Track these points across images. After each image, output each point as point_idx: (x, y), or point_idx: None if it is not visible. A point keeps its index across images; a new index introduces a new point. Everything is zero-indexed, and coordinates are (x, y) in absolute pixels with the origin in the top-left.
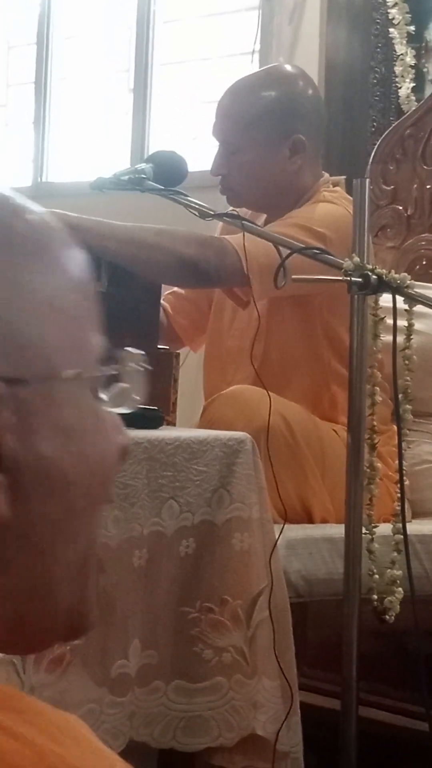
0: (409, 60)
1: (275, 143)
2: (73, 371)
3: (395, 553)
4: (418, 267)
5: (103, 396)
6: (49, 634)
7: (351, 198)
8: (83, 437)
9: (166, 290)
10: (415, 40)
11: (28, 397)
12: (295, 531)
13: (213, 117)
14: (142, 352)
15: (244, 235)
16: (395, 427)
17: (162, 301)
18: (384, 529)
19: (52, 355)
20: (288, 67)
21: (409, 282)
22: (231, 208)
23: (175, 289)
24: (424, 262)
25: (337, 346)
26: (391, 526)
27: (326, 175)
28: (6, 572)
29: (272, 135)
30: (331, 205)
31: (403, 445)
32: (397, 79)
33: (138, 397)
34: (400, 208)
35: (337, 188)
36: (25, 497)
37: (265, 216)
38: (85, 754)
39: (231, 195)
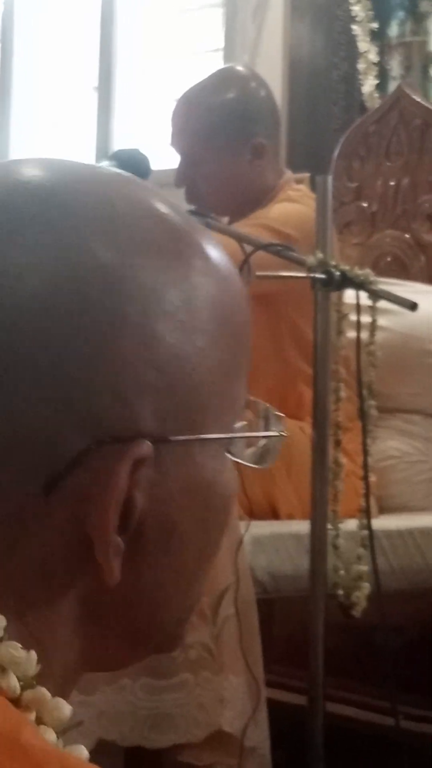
0: (372, 57)
1: (235, 151)
2: (219, 433)
3: (361, 549)
4: (382, 263)
5: (239, 454)
6: (144, 650)
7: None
8: (210, 499)
9: None
10: (378, 37)
11: (168, 456)
12: (261, 527)
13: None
14: (279, 414)
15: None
16: (360, 425)
17: None
18: (350, 524)
19: (201, 414)
20: (239, 69)
21: (372, 278)
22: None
23: None
24: (389, 259)
25: (303, 346)
26: (357, 521)
27: (289, 172)
28: (107, 624)
29: (232, 143)
30: (295, 204)
31: (369, 441)
32: (360, 76)
33: (274, 457)
34: (365, 204)
35: (302, 186)
36: (141, 557)
37: (227, 217)
38: None
39: (197, 204)
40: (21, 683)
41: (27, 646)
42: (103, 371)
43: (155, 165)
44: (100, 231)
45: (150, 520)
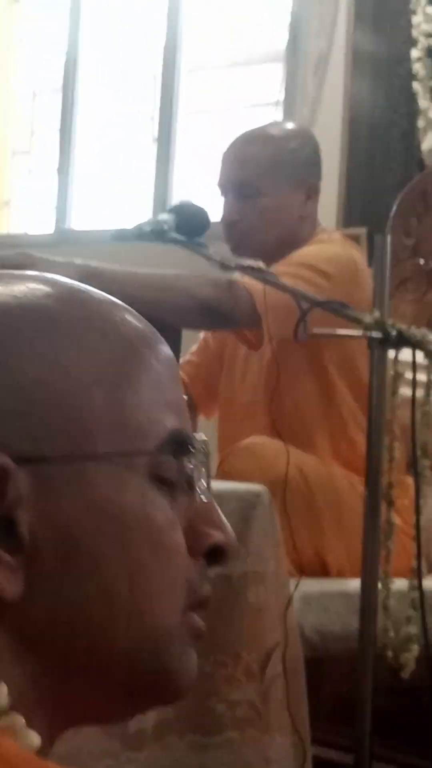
0: None
1: (295, 188)
2: (109, 450)
3: (411, 610)
4: None
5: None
6: (133, 700)
7: (346, 240)
8: (120, 517)
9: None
10: None
11: (52, 474)
12: (311, 585)
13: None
14: (205, 438)
15: (265, 288)
16: (410, 480)
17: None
18: (400, 584)
19: (84, 433)
20: (291, 123)
21: (429, 337)
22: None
23: (189, 356)
24: None
25: (356, 387)
26: (407, 581)
27: (323, 224)
28: (43, 655)
29: (292, 179)
30: (329, 244)
31: (421, 500)
32: (419, 134)
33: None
34: (422, 261)
35: (335, 234)
36: (43, 577)
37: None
38: None
39: (238, 243)
40: None
41: None
42: None
43: (214, 218)
44: None
45: (45, 538)
